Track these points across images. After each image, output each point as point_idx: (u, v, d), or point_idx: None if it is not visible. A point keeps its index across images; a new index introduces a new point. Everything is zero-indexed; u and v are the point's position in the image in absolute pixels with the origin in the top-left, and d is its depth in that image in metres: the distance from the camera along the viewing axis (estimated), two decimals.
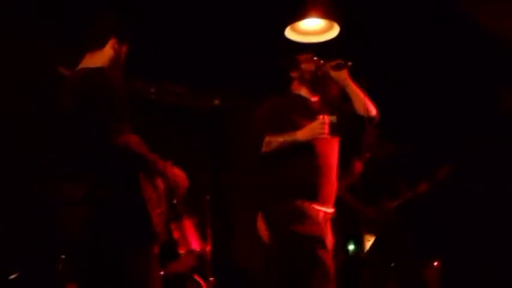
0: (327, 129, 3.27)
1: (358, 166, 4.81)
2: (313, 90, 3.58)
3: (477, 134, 5.46)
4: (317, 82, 3.55)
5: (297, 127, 3.36)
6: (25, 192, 4.64)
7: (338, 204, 4.40)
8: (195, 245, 4.33)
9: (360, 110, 3.46)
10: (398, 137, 5.21)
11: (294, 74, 3.64)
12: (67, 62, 5.12)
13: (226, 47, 5.29)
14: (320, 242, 3.27)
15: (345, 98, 3.61)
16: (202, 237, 4.37)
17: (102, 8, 3.19)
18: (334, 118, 3.42)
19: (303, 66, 3.58)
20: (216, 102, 6.31)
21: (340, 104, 3.61)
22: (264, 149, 3.30)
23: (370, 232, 4.84)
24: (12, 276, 3.92)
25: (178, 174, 2.82)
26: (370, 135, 3.50)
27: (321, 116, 3.30)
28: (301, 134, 3.30)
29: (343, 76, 3.47)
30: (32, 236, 4.52)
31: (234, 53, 5.39)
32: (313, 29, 3.85)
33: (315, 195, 3.33)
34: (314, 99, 3.64)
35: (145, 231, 2.65)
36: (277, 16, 3.95)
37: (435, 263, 4.96)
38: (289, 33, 3.87)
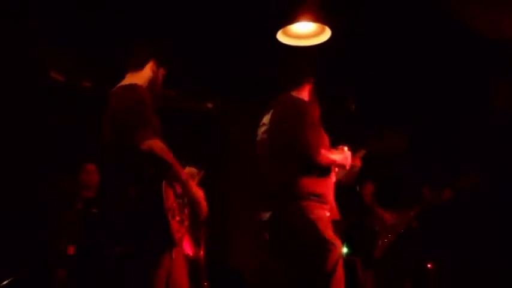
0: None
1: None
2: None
3: (471, 131, 5.49)
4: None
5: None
6: (22, 196, 4.66)
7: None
8: (189, 250, 4.33)
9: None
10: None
11: (307, 86, 3.63)
12: (60, 67, 5.20)
13: (219, 51, 5.31)
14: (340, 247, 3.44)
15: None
16: (196, 241, 4.36)
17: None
18: None
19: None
20: (209, 105, 6.34)
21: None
22: (318, 158, 3.36)
23: (387, 235, 4.86)
24: (5, 283, 3.92)
25: (199, 194, 2.94)
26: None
27: (346, 147, 3.60)
28: (340, 161, 3.53)
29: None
30: (28, 241, 4.53)
31: (226, 56, 5.41)
32: (304, 32, 3.87)
33: (326, 201, 3.49)
34: None
35: (163, 238, 2.74)
36: (269, 20, 3.97)
37: (429, 265, 4.98)
38: (281, 37, 3.88)
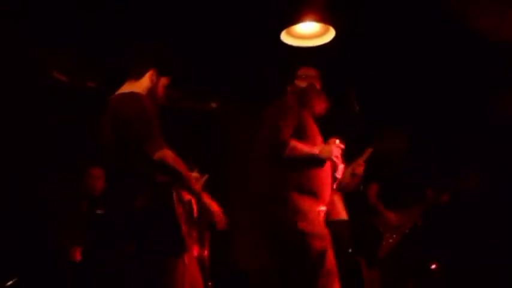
0: (340, 153, 3.60)
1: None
2: (301, 104, 3.69)
3: (471, 131, 5.52)
4: (304, 99, 3.72)
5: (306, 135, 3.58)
6: (22, 196, 4.65)
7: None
8: (194, 250, 4.32)
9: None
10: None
11: (289, 89, 3.79)
12: (62, 68, 5.19)
13: (219, 51, 5.30)
14: (327, 240, 3.45)
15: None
16: (200, 242, 4.35)
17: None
18: None
19: (297, 82, 3.76)
20: (213, 105, 6.34)
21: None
22: (287, 152, 3.46)
23: (392, 236, 4.86)
24: (10, 283, 3.90)
25: (213, 204, 3.03)
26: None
27: (337, 140, 3.62)
28: (320, 152, 3.54)
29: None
30: (29, 241, 4.52)
31: (226, 56, 5.41)
32: (308, 32, 3.88)
33: (318, 196, 3.52)
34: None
35: (176, 243, 2.76)
36: (270, 20, 3.98)
37: (433, 266, 4.99)
38: (285, 37, 3.89)
